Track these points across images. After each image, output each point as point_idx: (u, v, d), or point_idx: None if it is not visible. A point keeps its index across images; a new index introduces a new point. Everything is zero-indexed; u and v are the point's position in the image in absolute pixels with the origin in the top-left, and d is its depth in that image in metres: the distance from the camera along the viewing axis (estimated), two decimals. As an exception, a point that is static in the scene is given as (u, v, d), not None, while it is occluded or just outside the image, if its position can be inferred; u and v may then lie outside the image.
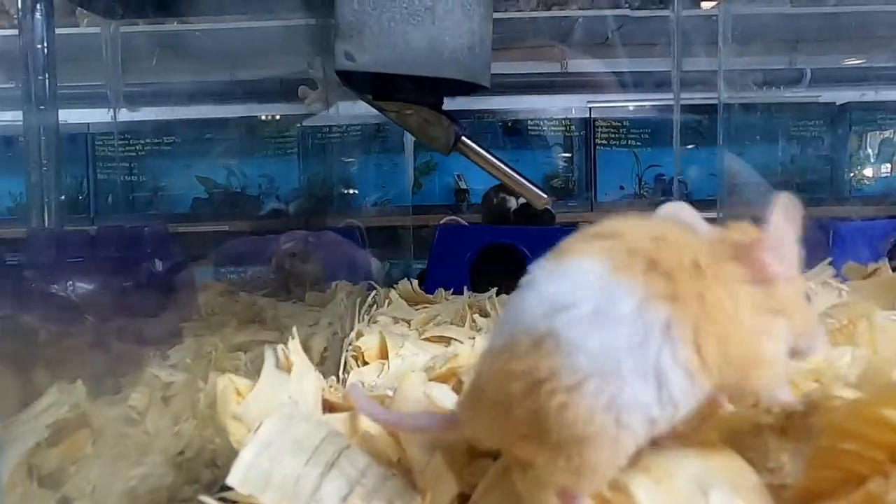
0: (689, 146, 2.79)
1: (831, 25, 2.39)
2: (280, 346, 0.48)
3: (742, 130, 2.79)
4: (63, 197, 1.12)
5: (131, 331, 0.86)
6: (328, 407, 0.46)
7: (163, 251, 1.04)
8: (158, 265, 1.01)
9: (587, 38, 2.74)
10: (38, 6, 0.97)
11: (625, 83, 2.41)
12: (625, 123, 3.04)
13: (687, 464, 0.28)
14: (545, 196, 0.83)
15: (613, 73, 2.42)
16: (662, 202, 0.37)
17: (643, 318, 0.28)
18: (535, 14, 2.65)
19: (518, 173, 0.83)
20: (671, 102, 2.34)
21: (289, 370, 0.47)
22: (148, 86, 2.69)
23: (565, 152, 3.13)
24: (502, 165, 0.81)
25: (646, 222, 0.33)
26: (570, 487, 0.28)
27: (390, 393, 0.47)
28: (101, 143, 3.00)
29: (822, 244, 1.20)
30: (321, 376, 0.50)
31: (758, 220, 0.30)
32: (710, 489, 0.27)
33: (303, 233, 1.47)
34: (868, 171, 2.91)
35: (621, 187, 2.97)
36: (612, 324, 0.28)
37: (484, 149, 0.81)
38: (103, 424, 0.48)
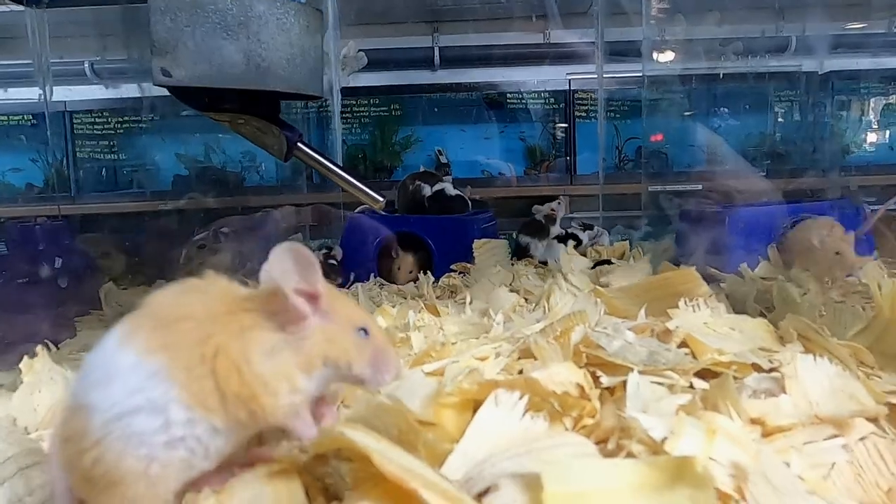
0: (681, 116, 2.75)
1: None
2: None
3: (713, 100, 2.74)
4: None
5: (20, 326, 0.91)
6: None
7: (64, 247, 1.09)
8: (58, 262, 1.05)
9: (568, 7, 2.69)
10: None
11: (609, 54, 2.36)
12: (604, 96, 3.00)
13: (250, 487, 0.33)
14: (381, 199, 0.86)
15: (593, 43, 2.37)
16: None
17: (143, 369, 0.32)
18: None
19: (354, 177, 0.85)
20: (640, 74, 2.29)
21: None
22: (126, 62, 2.73)
23: (545, 125, 3.11)
24: (339, 170, 0.83)
25: (188, 287, 0.36)
26: None
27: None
28: (80, 120, 3.06)
29: (720, 231, 1.20)
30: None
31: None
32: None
33: (237, 218, 1.51)
34: (854, 142, 2.84)
35: (603, 160, 2.94)
36: (116, 380, 0.31)
37: (321, 154, 0.83)
38: None
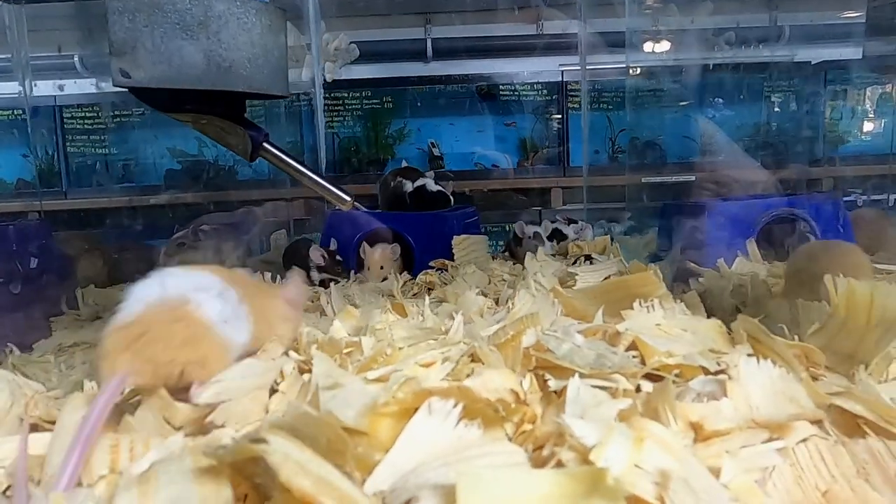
0: (670, 108, 2.73)
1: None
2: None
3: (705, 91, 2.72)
4: None
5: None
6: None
7: (40, 247, 1.08)
8: (33, 262, 1.05)
9: None
10: None
11: (596, 44, 2.35)
12: (596, 86, 2.98)
13: (176, 484, 0.33)
14: (349, 198, 0.85)
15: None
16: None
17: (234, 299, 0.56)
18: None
19: (321, 177, 0.85)
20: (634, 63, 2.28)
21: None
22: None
23: (538, 116, 3.09)
24: (305, 170, 0.83)
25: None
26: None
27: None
28: (70, 115, 3.05)
29: (700, 225, 1.20)
30: (30, 387, 0.55)
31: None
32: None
33: (217, 215, 1.51)
34: (847, 132, 2.83)
35: (596, 151, 2.93)
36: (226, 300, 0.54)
37: (287, 154, 0.83)
38: None
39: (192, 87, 0.71)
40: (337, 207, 1.40)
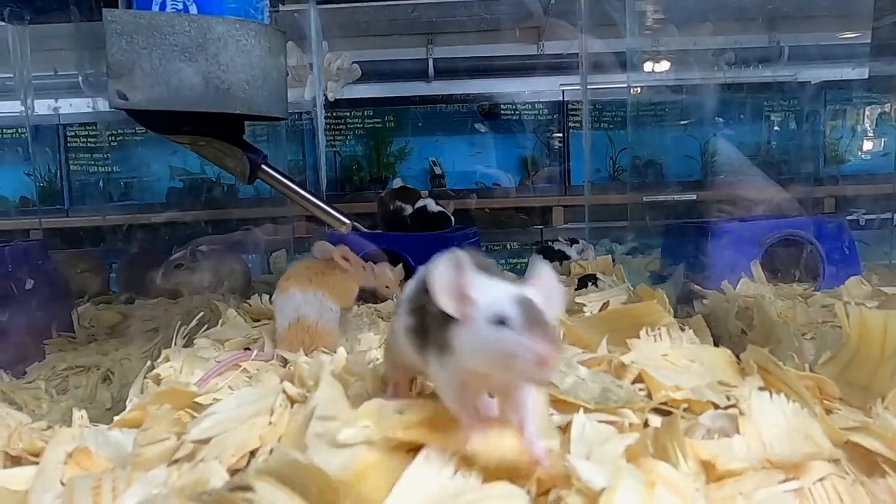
0: (671, 127, 2.73)
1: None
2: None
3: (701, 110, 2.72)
4: None
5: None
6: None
7: (37, 267, 1.07)
8: (29, 283, 1.04)
9: (563, 19, 2.68)
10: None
11: (598, 64, 2.35)
12: (598, 106, 2.99)
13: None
14: (347, 221, 0.84)
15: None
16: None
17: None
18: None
19: (319, 199, 0.84)
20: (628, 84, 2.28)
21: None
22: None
23: (539, 135, 3.10)
24: (304, 193, 0.82)
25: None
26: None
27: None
28: (73, 133, 3.05)
29: (703, 246, 1.18)
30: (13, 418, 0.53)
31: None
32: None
33: (216, 238, 1.49)
34: (848, 151, 2.83)
35: (597, 170, 2.92)
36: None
37: (285, 176, 0.82)
38: None
39: (190, 110, 0.70)
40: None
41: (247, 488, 0.29)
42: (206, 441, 0.41)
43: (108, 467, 0.45)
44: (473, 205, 1.34)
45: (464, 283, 0.39)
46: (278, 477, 0.31)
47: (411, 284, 0.48)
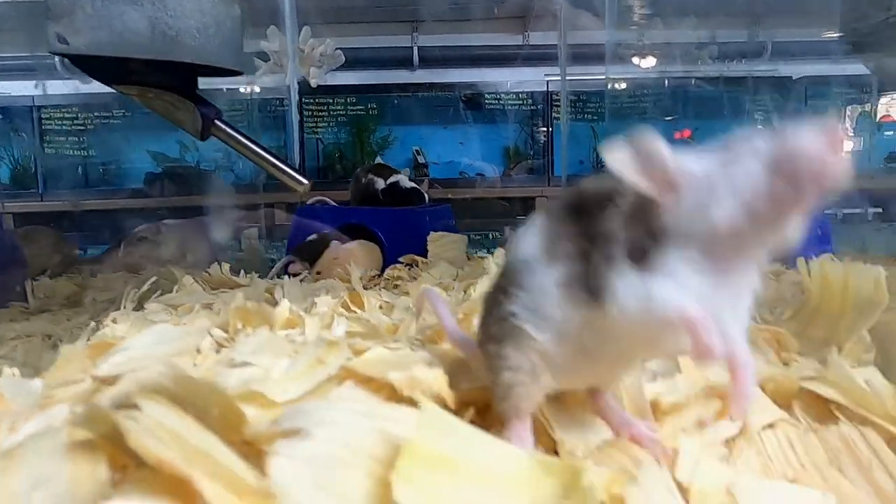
0: (652, 120, 2.72)
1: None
2: None
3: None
4: None
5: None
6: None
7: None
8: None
9: (548, 9, 2.65)
10: None
11: (578, 56, 2.33)
12: (581, 97, 2.97)
13: (43, 460, 0.28)
14: (305, 182, 0.81)
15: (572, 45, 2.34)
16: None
17: None
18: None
19: (277, 157, 0.81)
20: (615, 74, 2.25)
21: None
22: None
23: (523, 126, 3.08)
24: (260, 150, 0.79)
25: None
26: None
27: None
28: (48, 115, 2.98)
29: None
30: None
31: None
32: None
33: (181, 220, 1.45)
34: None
35: (581, 162, 2.91)
36: None
37: (241, 133, 0.79)
38: None
39: (135, 56, 0.67)
40: (311, 203, 1.37)
41: (132, 406, 0.27)
42: (114, 379, 0.38)
43: (17, 409, 0.42)
44: (427, 186, 1.32)
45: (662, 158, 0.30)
46: (170, 396, 0.28)
47: (529, 240, 0.34)
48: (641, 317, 0.29)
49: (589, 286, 0.31)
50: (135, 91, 0.72)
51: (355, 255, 1.13)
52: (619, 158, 0.30)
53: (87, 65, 0.70)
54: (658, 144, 0.29)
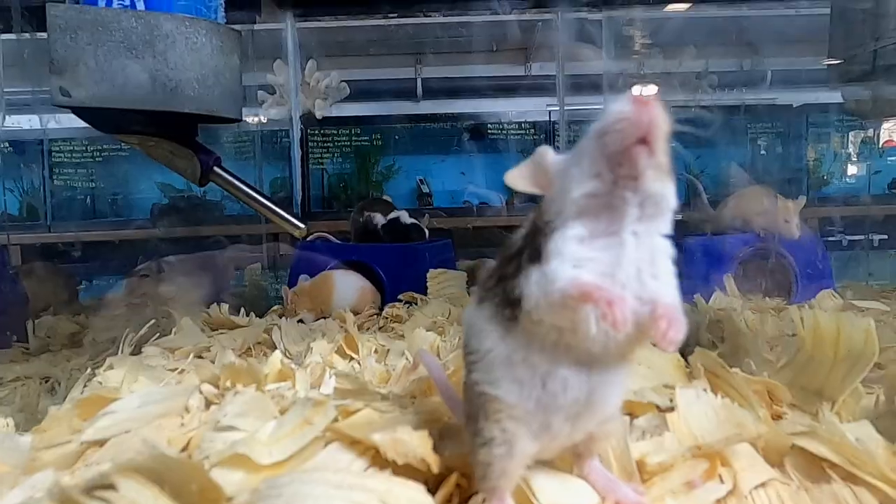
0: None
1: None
2: None
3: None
4: None
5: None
6: None
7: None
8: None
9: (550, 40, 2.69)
10: None
11: (584, 85, 2.36)
12: (583, 127, 3.00)
13: None
14: (301, 226, 0.82)
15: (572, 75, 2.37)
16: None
17: None
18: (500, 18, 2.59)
19: (273, 203, 0.82)
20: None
21: None
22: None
23: (526, 155, 3.10)
24: (257, 196, 0.80)
25: None
26: None
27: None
28: (58, 148, 3.03)
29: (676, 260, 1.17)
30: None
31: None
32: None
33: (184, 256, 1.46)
34: (829, 173, 2.84)
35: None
36: None
37: (239, 179, 0.80)
38: None
39: (136, 108, 0.69)
40: (311, 239, 1.37)
41: (108, 486, 0.27)
42: (102, 443, 0.38)
43: (4, 470, 0.42)
44: (428, 221, 1.33)
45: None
46: (147, 474, 0.28)
47: (469, 307, 0.38)
48: (547, 300, 0.32)
49: (510, 302, 0.34)
50: (135, 140, 0.73)
51: (304, 294, 1.11)
52: (512, 175, 0.37)
53: (89, 115, 0.72)
54: (543, 151, 0.37)
